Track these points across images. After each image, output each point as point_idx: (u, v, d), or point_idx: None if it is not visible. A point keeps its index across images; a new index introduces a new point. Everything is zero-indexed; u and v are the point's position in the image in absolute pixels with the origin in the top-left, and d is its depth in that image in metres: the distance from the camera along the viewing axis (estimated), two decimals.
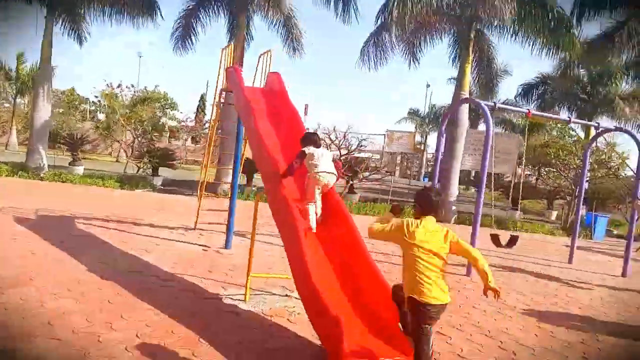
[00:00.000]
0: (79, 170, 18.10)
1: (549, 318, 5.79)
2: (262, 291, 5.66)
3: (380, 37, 15.40)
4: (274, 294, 5.58)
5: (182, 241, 8.06)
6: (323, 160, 4.88)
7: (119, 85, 24.91)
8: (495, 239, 7.26)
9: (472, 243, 7.53)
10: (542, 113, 11.68)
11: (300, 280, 4.12)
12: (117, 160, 29.40)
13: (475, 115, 31.06)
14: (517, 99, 26.10)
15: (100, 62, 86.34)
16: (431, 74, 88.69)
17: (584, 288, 7.80)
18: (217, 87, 7.93)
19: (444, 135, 8.72)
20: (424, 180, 37.15)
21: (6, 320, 4.06)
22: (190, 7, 17.97)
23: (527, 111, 8.25)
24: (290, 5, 16.87)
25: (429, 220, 3.37)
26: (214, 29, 39.73)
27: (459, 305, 5.92)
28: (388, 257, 8.24)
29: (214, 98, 8.09)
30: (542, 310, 6.17)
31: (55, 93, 32.41)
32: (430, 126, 41.36)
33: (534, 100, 23.91)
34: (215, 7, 17.78)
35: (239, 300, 5.26)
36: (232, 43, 7.51)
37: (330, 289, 4.08)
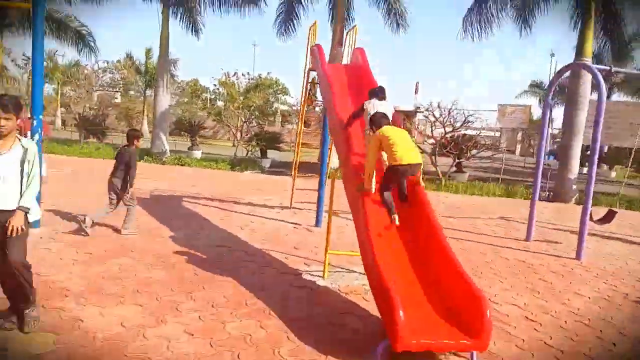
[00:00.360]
0: (197, 154, 19.47)
1: None
2: (342, 269, 5.63)
3: (485, 3, 14.32)
4: (354, 272, 5.51)
5: (275, 219, 8.30)
6: (378, 109, 4.91)
7: (234, 74, 26.35)
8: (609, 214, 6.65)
9: (583, 222, 6.82)
10: None
11: (363, 252, 4.01)
12: (233, 145, 31.17)
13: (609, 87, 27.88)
14: None
15: (221, 54, 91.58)
16: (556, 45, 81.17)
17: None
18: (305, 67, 7.96)
19: (551, 106, 7.93)
20: (549, 158, 34.35)
21: (101, 287, 4.47)
22: None
23: None
24: None
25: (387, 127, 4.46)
26: (317, 13, 40.04)
27: (559, 291, 5.37)
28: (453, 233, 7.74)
29: (303, 78, 8.12)
30: None
31: (180, 84, 35.30)
32: (556, 99, 38.00)
33: None
34: None
35: (317, 276, 5.28)
36: (315, 21, 7.42)
37: (397, 267, 3.91)
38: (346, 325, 4.03)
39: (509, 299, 4.97)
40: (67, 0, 19.94)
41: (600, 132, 6.59)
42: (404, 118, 30.28)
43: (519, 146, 40.12)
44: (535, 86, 39.80)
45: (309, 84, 8.37)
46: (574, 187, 14.17)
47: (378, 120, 4.60)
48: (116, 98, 38.69)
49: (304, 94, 8.33)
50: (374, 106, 5.02)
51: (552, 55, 50.35)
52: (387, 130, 4.43)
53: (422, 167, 4.53)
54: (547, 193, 14.01)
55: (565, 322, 4.45)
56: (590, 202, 6.85)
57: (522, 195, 14.03)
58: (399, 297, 3.28)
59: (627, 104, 15.76)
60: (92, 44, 20.73)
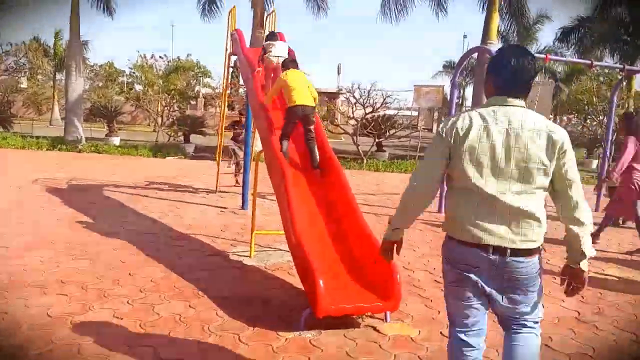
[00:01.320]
0: (115, 141, 18.77)
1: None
2: (269, 248, 5.87)
3: None
4: (280, 250, 5.77)
5: (201, 204, 8.36)
6: (277, 47, 6.25)
7: (152, 56, 25.42)
8: None
9: None
10: (561, 58, 11.10)
11: (287, 229, 4.28)
12: (154, 131, 30.24)
13: None
14: (556, 43, 24.93)
15: (138, 35, 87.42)
16: (470, 27, 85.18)
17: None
18: (225, 51, 8.00)
19: (459, 86, 8.55)
20: None
21: (23, 280, 4.41)
22: None
23: (545, 56, 7.92)
24: None
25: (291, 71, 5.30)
26: None
27: None
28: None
29: (224, 63, 8.17)
30: None
31: (93, 68, 33.46)
32: (468, 79, 40.14)
33: (572, 44, 22.77)
34: None
35: (244, 256, 5.48)
36: (234, 6, 7.48)
37: (317, 241, 4.21)
38: (273, 299, 4.29)
39: (421, 266, 5.45)
40: None
41: None
42: (327, 100, 30.81)
43: (435, 125, 42.04)
44: (449, 67, 41.79)
45: (232, 68, 8.43)
46: None
47: (287, 64, 5.51)
48: (22, 83, 36.05)
49: (225, 78, 8.38)
50: (275, 47, 6.25)
51: (465, 37, 52.97)
52: (291, 74, 5.25)
53: (315, 110, 5.38)
54: None
55: None
56: None
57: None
58: (319, 268, 3.58)
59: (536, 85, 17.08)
60: None
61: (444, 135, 2.13)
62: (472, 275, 2.16)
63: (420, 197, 2.24)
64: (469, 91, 43.68)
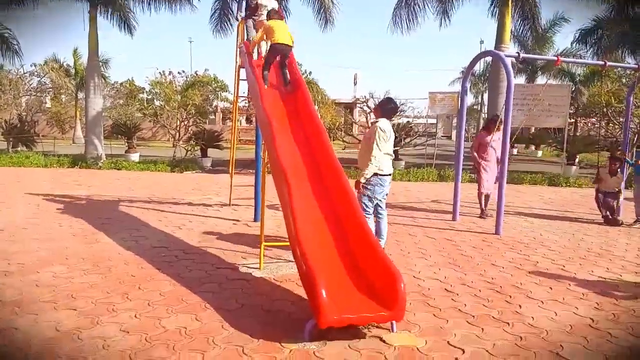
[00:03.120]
0: (135, 157, 19.08)
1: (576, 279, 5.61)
2: (279, 259, 5.87)
3: None
4: (290, 261, 5.74)
5: (214, 217, 8.42)
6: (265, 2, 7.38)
7: (170, 72, 25.92)
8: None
9: (500, 200, 7.37)
10: (573, 60, 10.89)
11: (291, 239, 4.27)
12: (173, 146, 30.68)
13: (531, 69, 29.68)
14: (575, 45, 24.51)
15: (158, 52, 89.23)
16: (485, 34, 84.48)
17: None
18: (235, 64, 8.08)
19: (467, 91, 8.50)
20: None
21: (34, 295, 4.49)
22: None
23: (556, 58, 7.81)
24: None
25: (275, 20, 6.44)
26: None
27: (477, 263, 5.86)
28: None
29: (235, 75, 8.24)
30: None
31: (114, 85, 34.20)
32: (486, 85, 39.84)
33: (591, 46, 22.36)
34: None
35: (254, 268, 5.49)
36: (243, 18, 7.56)
37: (322, 251, 4.19)
38: (280, 311, 4.27)
39: (431, 275, 5.38)
40: None
41: (510, 114, 7.16)
42: (344, 110, 30.82)
43: (453, 131, 41.73)
44: None
45: (242, 80, 8.49)
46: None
47: (271, 15, 6.63)
48: (46, 103, 37.02)
49: (236, 91, 8.46)
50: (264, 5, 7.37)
51: (482, 42, 52.63)
52: (274, 22, 6.42)
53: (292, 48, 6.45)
54: None
55: (480, 290, 4.90)
56: (505, 180, 7.42)
57: (454, 179, 14.76)
58: (323, 278, 3.56)
59: (548, 86, 16.80)
60: (17, 47, 19.85)
61: None
62: None
63: None
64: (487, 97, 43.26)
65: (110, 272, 5.23)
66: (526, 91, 16.06)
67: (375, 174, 5.51)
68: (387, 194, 5.76)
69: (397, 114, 16.63)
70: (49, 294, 4.55)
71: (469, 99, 41.09)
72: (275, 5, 7.38)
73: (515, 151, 29.31)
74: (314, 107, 5.93)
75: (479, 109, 41.37)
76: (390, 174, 5.68)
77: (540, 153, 29.14)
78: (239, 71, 8.01)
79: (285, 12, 18.26)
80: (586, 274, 5.56)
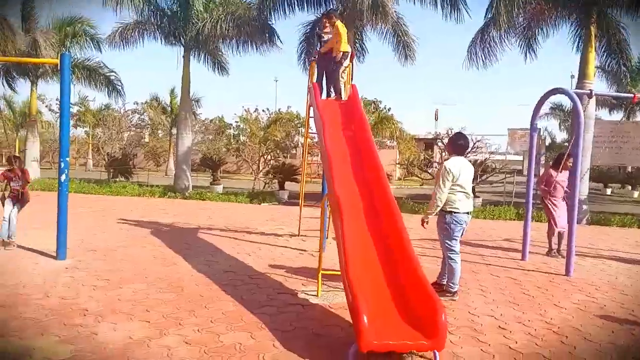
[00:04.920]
0: (219, 188, 20.29)
1: None
2: (337, 288, 6.09)
3: (488, 33, 14.90)
4: None
5: (283, 246, 8.84)
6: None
7: (255, 110, 27.58)
8: None
9: (570, 239, 7.12)
10: None
11: (340, 266, 4.52)
12: (254, 179, 32.13)
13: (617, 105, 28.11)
14: None
15: (247, 90, 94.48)
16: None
17: None
18: (307, 102, 8.61)
19: (537, 129, 8.37)
20: None
21: (115, 307, 5.06)
22: (308, 31, 19.23)
23: (633, 95, 7.54)
24: (396, 12, 17.00)
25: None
26: None
27: (538, 304, 5.72)
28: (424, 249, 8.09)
29: (306, 113, 8.78)
30: None
31: (204, 122, 36.70)
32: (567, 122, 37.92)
33: None
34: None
35: (312, 295, 5.76)
36: (313, 60, 8.13)
37: (368, 277, 4.39)
38: (329, 335, 4.49)
39: (487, 311, 5.34)
40: (97, 48, 21.57)
41: (580, 150, 6.99)
42: (424, 147, 30.69)
43: (542, 170, 39.86)
44: (556, 108, 39.81)
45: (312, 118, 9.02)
46: (585, 207, 14.29)
47: (332, 17, 8.38)
48: (144, 138, 40.42)
49: (306, 128, 8.96)
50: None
51: (572, 77, 50.25)
52: (341, 26, 7.96)
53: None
54: None
55: (535, 329, 4.80)
56: (575, 220, 7.17)
57: (533, 217, 14.21)
58: (365, 305, 3.76)
59: (637, 123, 15.88)
60: (120, 88, 22.17)
61: None
62: None
63: None
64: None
65: (182, 292, 5.74)
66: (610, 128, 15.29)
67: (451, 212, 5.47)
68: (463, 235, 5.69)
69: (473, 150, 16.46)
70: (128, 307, 5.10)
71: (560, 136, 39.23)
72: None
73: (609, 191, 27.50)
74: (375, 145, 6.18)
75: (533, 146, 39.37)
76: (467, 212, 5.57)
77: (637, 194, 27.07)
78: (309, 109, 8.52)
79: (363, 51, 18.91)
80: None
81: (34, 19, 20.59)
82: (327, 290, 5.91)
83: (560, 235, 8.36)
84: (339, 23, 7.97)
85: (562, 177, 8.13)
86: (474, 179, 17.14)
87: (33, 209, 10.19)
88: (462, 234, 5.64)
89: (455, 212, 5.47)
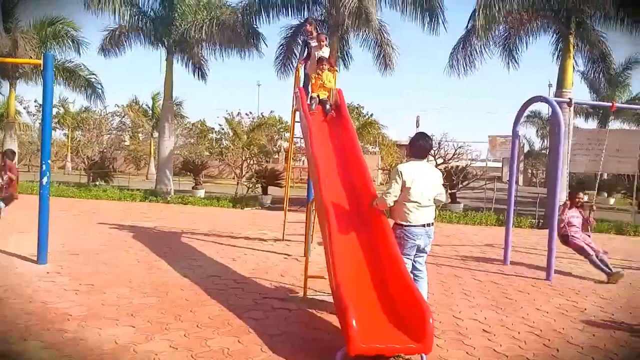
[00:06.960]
0: (201, 193, 20.14)
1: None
2: (323, 292, 6.10)
3: (469, 42, 15.13)
4: None
5: (268, 251, 8.83)
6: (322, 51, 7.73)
7: (238, 114, 27.45)
8: None
9: (550, 243, 7.27)
10: (630, 105, 10.57)
11: (328, 270, 4.54)
12: (237, 183, 31.97)
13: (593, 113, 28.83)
14: None
15: (229, 95, 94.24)
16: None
17: None
18: (292, 107, 8.63)
19: (518, 135, 8.54)
20: None
21: (99, 312, 5.00)
22: (289, 34, 19.24)
23: (611, 104, 7.75)
24: (379, 21, 17.15)
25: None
26: None
27: (520, 307, 5.82)
28: (435, 259, 8.19)
29: (291, 118, 8.80)
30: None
31: (186, 125, 36.42)
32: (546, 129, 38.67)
33: None
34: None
35: (298, 299, 5.76)
36: (299, 63, 8.16)
37: (356, 282, 4.43)
38: (316, 339, 4.51)
39: (471, 315, 5.42)
40: (77, 51, 21.25)
41: (560, 159, 7.16)
42: (406, 153, 30.91)
43: (521, 176, 40.50)
44: (534, 116, 40.53)
45: (297, 123, 9.04)
46: None
47: (322, 63, 7.36)
48: (125, 141, 39.95)
49: (291, 133, 8.98)
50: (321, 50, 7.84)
51: (550, 85, 51.26)
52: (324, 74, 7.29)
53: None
54: (538, 220, 14.44)
55: (518, 332, 4.89)
56: (555, 225, 7.31)
57: (513, 223, 14.44)
58: (353, 308, 3.79)
59: (614, 131, 16.24)
60: (100, 91, 21.89)
61: None
62: None
63: None
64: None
65: (167, 296, 5.69)
66: (589, 136, 15.64)
67: (400, 225, 4.71)
68: (425, 250, 4.86)
69: (455, 157, 16.66)
70: (112, 311, 5.04)
71: (538, 143, 39.98)
72: (327, 54, 7.83)
73: (585, 198, 27.99)
74: (361, 151, 6.23)
75: (515, 153, 40.04)
76: (421, 225, 4.67)
77: (612, 200, 27.68)
78: (294, 114, 8.54)
79: (347, 57, 19.01)
80: (635, 322, 5.38)
81: (14, 19, 20.23)
82: (314, 295, 5.92)
83: (604, 253, 7.76)
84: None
85: (572, 213, 7.83)
86: (454, 185, 17.56)
87: (12, 212, 10.00)
88: (422, 248, 4.81)
89: (405, 226, 4.67)
